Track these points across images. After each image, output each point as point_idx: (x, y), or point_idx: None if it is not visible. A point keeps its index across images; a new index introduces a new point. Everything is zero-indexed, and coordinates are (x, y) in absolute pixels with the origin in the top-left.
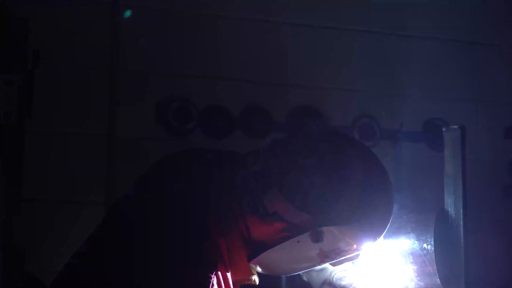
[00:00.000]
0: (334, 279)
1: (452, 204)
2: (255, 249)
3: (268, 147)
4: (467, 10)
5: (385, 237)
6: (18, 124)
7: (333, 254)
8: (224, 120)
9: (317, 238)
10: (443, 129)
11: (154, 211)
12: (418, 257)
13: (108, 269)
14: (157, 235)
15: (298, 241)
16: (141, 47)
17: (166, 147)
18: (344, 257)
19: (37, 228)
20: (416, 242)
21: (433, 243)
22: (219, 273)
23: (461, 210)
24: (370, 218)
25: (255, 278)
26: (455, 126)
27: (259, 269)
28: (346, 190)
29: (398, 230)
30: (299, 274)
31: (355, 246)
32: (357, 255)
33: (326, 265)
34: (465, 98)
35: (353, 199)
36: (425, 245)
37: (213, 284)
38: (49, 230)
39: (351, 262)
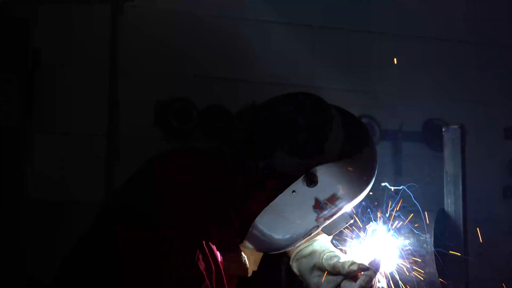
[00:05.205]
0: (323, 260)
1: (452, 204)
2: (248, 223)
3: (249, 109)
4: (467, 10)
5: (385, 235)
6: (18, 124)
7: (329, 205)
8: (224, 120)
9: (310, 180)
10: (443, 129)
11: (144, 198)
12: (418, 257)
13: (99, 257)
14: (147, 220)
15: (293, 191)
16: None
17: (166, 147)
18: (340, 210)
19: (38, 228)
20: (416, 241)
21: (433, 242)
22: (206, 249)
23: (461, 210)
24: (359, 153)
25: (245, 259)
26: (455, 126)
27: (251, 246)
28: (331, 129)
29: (398, 230)
30: (294, 272)
31: (349, 188)
32: (352, 215)
33: (318, 244)
34: (465, 98)
35: (339, 137)
36: (425, 245)
37: (198, 258)
38: (49, 230)
39: (345, 227)
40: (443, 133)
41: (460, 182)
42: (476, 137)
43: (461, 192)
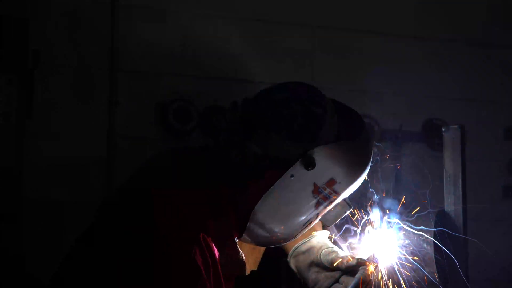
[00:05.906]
0: (321, 256)
1: (452, 204)
2: (247, 213)
3: (243, 101)
4: (467, 10)
5: (384, 234)
6: (18, 125)
7: (328, 190)
8: (224, 120)
9: (308, 163)
10: (443, 129)
11: (143, 198)
12: (417, 257)
13: (98, 255)
14: (147, 219)
15: (292, 176)
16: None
17: (166, 147)
18: (339, 196)
19: (38, 228)
20: (416, 241)
21: (433, 243)
22: (203, 245)
23: (461, 210)
24: (354, 136)
25: (243, 256)
26: (455, 126)
27: (250, 239)
28: (326, 114)
29: (398, 230)
30: (292, 271)
31: (346, 172)
32: (351, 204)
33: (315, 241)
34: (465, 98)
35: (334, 121)
36: (425, 245)
37: (195, 253)
38: (49, 230)
39: (343, 215)
40: (443, 133)
41: (460, 182)
42: (476, 137)
43: (461, 192)
